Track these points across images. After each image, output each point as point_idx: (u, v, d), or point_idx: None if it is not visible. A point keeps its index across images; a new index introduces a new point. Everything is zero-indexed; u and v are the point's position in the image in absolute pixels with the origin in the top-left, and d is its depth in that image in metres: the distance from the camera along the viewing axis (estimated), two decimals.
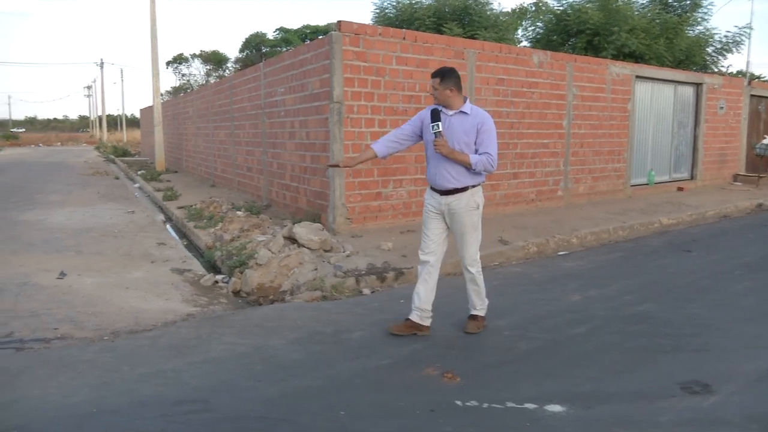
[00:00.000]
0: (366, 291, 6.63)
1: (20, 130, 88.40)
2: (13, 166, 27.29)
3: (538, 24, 17.80)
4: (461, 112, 4.90)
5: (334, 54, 8.61)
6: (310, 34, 53.61)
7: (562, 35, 16.76)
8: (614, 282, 6.98)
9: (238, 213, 10.21)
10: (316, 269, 6.95)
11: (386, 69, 9.10)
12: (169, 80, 68.24)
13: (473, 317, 5.27)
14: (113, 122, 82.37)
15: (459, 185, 4.92)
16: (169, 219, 11.71)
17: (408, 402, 3.85)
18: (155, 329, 5.31)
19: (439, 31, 14.92)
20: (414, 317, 5.11)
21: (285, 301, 6.34)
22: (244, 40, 59.64)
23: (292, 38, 55.49)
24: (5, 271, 7.31)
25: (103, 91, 68.59)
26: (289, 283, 6.72)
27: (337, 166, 5.61)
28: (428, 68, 9.48)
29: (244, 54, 60.06)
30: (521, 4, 22.28)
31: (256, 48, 58.84)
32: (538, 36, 17.47)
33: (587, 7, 16.11)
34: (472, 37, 14.10)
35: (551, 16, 17.03)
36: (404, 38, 9.30)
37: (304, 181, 9.93)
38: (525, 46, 15.99)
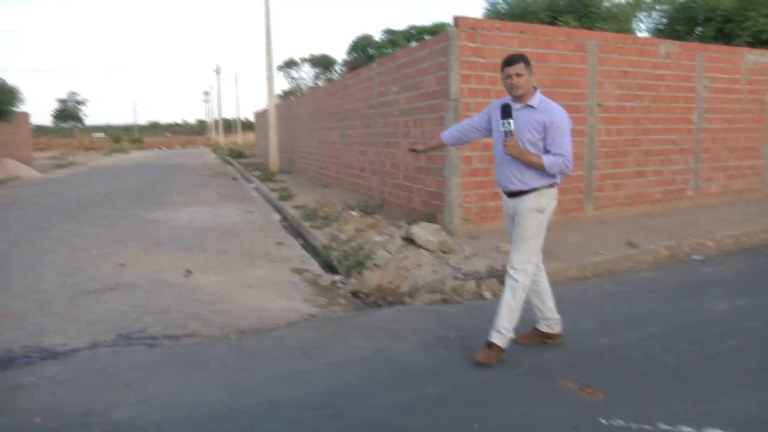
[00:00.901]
0: (487, 294, 6.38)
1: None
2: (140, 168, 28.67)
3: (658, 13, 16.90)
4: (528, 105, 4.28)
5: (451, 50, 8.40)
6: (416, 34, 53.57)
7: (689, 24, 15.82)
8: (765, 291, 6.40)
9: (353, 213, 10.18)
10: (434, 271, 6.77)
11: None
12: (281, 84, 69.77)
13: (489, 344, 4.38)
14: (228, 125, 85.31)
15: (525, 187, 4.36)
16: (284, 219, 11.84)
17: (548, 418, 3.59)
18: (279, 329, 5.27)
19: (554, 25, 14.44)
20: (543, 328, 4.74)
21: (404, 303, 6.18)
22: (351, 43, 60.31)
23: (398, 39, 55.66)
24: (137, 269, 7.54)
25: (219, 96, 71.33)
26: (408, 285, 6.57)
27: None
28: (547, 62, 9.12)
29: (352, 56, 60.77)
30: None
31: (363, 50, 59.38)
32: (661, 26, 16.59)
33: None
34: (589, 29, 13.50)
35: (668, 6, 16.13)
36: (522, 32, 8.97)
37: (418, 181, 9.78)
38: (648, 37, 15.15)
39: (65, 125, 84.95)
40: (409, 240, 7.33)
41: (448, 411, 3.69)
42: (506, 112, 4.25)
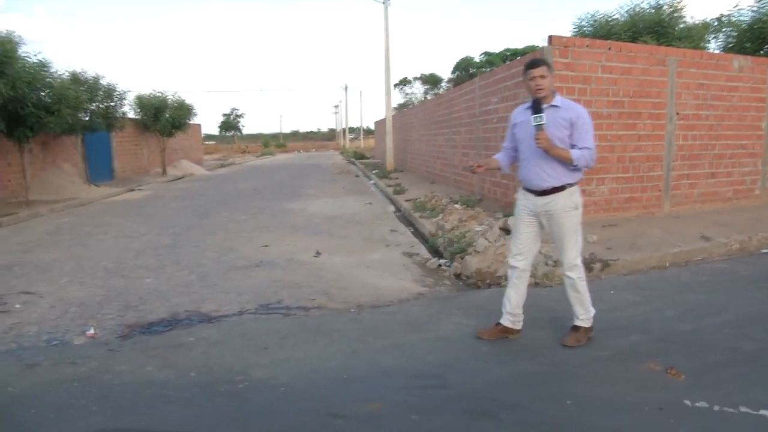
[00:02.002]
0: None
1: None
2: (283, 167, 29.43)
3: (726, 33, 15.49)
4: (553, 105, 3.83)
5: None
6: (510, 56, 52.23)
7: (757, 42, 14.40)
8: None
9: (456, 206, 9.88)
10: None
11: (592, 77, 8.24)
12: (396, 98, 69.94)
13: (575, 328, 4.09)
14: (353, 132, 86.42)
15: (557, 184, 3.85)
16: (398, 209, 11.69)
17: (635, 397, 3.21)
18: (392, 305, 5.10)
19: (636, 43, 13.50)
20: (506, 322, 4.18)
21: (501, 285, 5.85)
22: (455, 64, 59.44)
23: (494, 60, 54.36)
24: (277, 249, 7.60)
25: (346, 109, 72.75)
26: (504, 270, 6.22)
27: (474, 171, 4.22)
28: (631, 75, 8.48)
29: (456, 75, 59.97)
30: (706, 17, 19.60)
31: (465, 69, 58.53)
32: (730, 44, 15.20)
33: None
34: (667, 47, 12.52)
35: (733, 29, 14.75)
36: (609, 48, 8.37)
37: (514, 179, 9.35)
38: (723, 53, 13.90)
39: (228, 134, 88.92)
40: (506, 230, 6.98)
41: (542, 387, 3.38)
42: (537, 107, 3.79)
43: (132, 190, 17.52)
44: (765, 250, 7.20)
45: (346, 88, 69.75)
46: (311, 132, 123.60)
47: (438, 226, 8.59)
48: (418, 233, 9.01)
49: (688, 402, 3.12)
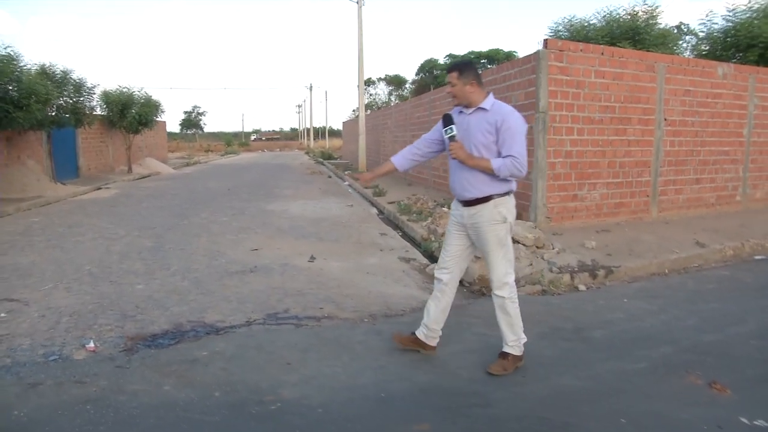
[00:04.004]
0: (581, 287, 5.85)
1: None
2: (251, 167, 28.83)
3: (700, 40, 15.76)
4: (480, 108, 3.54)
5: (541, 69, 7.84)
6: (474, 59, 52.49)
7: (731, 50, 14.69)
8: None
9: (444, 209, 9.70)
10: (531, 264, 6.25)
11: (585, 82, 8.18)
12: (356, 101, 69.66)
13: (503, 355, 3.70)
14: (317, 133, 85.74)
15: (479, 194, 3.54)
16: (381, 212, 11.46)
17: (689, 414, 3.06)
18: (405, 314, 4.87)
19: None
20: (420, 334, 3.92)
21: None
22: (419, 65, 59.50)
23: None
24: (268, 253, 7.27)
25: (311, 108, 72.16)
26: None
27: (364, 179, 4.17)
28: (622, 81, 8.46)
29: (420, 76, 60.03)
30: (680, 22, 19.92)
31: (429, 71, 58.60)
32: (704, 52, 15.47)
33: (755, 22, 13.99)
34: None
35: (692, 37, 15.01)
36: (602, 53, 8.32)
37: None
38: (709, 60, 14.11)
39: (189, 132, 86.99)
40: None
41: (589, 404, 3.20)
42: (447, 120, 3.62)
43: (99, 188, 16.81)
44: (759, 257, 7.24)
45: (310, 87, 69.23)
46: (274, 131, 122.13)
47: (430, 230, 8.39)
48: (407, 237, 8.79)
49: (745, 420, 2.99)
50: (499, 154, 3.48)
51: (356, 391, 3.33)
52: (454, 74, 3.56)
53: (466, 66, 3.61)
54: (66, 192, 14.88)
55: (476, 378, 3.53)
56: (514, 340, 3.69)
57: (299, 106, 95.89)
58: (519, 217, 8.13)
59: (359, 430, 2.90)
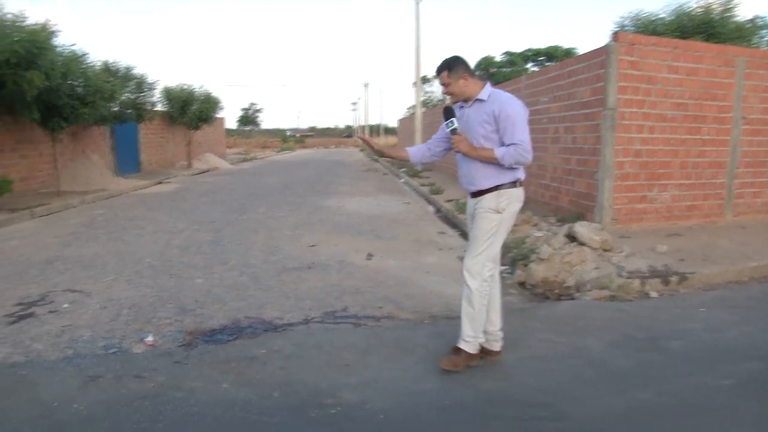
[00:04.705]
0: (653, 294, 5.50)
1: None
2: (306, 163, 29.08)
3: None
4: (478, 100, 3.50)
5: (610, 63, 7.47)
6: (532, 55, 51.48)
7: None
8: None
9: None
10: (598, 268, 5.93)
11: (657, 77, 7.75)
12: (413, 98, 69.50)
13: (456, 350, 3.57)
14: (371, 130, 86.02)
15: (483, 186, 3.51)
16: (438, 210, 11.26)
17: None
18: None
19: None
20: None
21: (572, 297, 5.42)
22: (476, 63, 58.85)
23: (516, 60, 53.61)
24: (325, 250, 7.20)
25: (367, 105, 72.64)
26: (573, 280, 5.78)
27: (378, 150, 4.05)
28: (697, 77, 7.97)
29: (477, 74, 59.16)
30: (755, 15, 18.85)
31: (485, 69, 57.83)
32: None
33: None
34: None
35: None
36: (676, 47, 7.87)
37: (566, 182, 8.89)
38: None
39: (246, 128, 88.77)
40: (572, 238, 6.53)
41: (674, 423, 2.95)
42: (447, 113, 3.58)
43: (160, 182, 17.23)
44: None
45: (366, 85, 69.52)
46: (329, 128, 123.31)
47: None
48: (466, 236, 8.55)
49: None
50: (502, 144, 3.42)
51: (419, 397, 3.18)
52: (444, 73, 3.53)
53: (453, 62, 3.54)
54: (128, 186, 15.30)
55: (545, 387, 3.31)
56: (472, 337, 3.53)
57: (354, 104, 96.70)
58: (581, 218, 7.82)
59: None
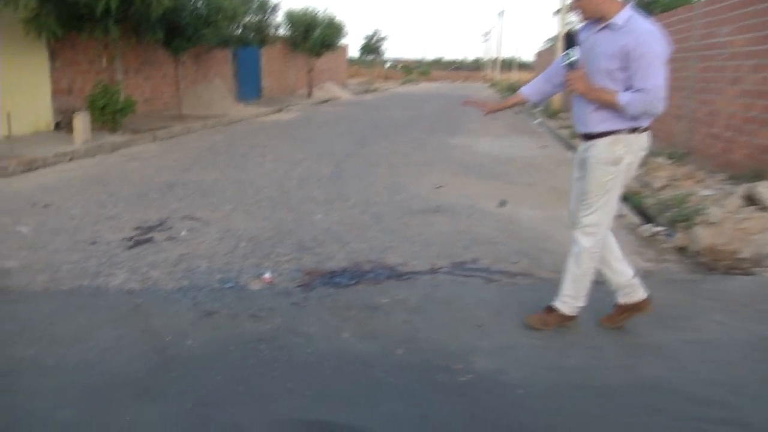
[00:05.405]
0: None
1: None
2: (432, 97, 28.68)
3: None
4: (610, 25, 2.91)
5: None
6: None
7: None
8: None
9: (659, 159, 8.63)
10: None
11: None
12: (555, 29, 65.77)
13: (548, 309, 3.35)
14: (503, 64, 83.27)
15: (596, 130, 3.04)
16: None
17: None
18: None
19: None
20: (623, 299, 3.37)
21: (748, 272, 4.78)
22: None
23: None
24: (452, 192, 6.95)
25: (500, 37, 69.98)
26: (750, 251, 5.10)
27: (490, 112, 3.82)
28: None
29: (630, 2, 54.93)
30: None
31: None
32: None
33: None
34: None
35: None
36: None
37: (745, 133, 7.90)
38: None
39: (368, 58, 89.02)
40: (752, 200, 5.79)
41: None
42: (568, 41, 3.05)
43: (280, 110, 17.64)
44: None
45: (501, 13, 66.67)
46: (456, 61, 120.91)
47: (642, 182, 7.49)
48: None
49: None
50: (629, 88, 2.94)
51: (563, 374, 2.88)
52: None
53: None
54: (249, 112, 15.78)
55: (720, 381, 2.88)
56: (571, 298, 3.29)
57: (486, 34, 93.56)
58: (760, 176, 6.93)
59: (568, 426, 2.47)
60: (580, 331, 3.35)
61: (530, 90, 3.53)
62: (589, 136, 3.12)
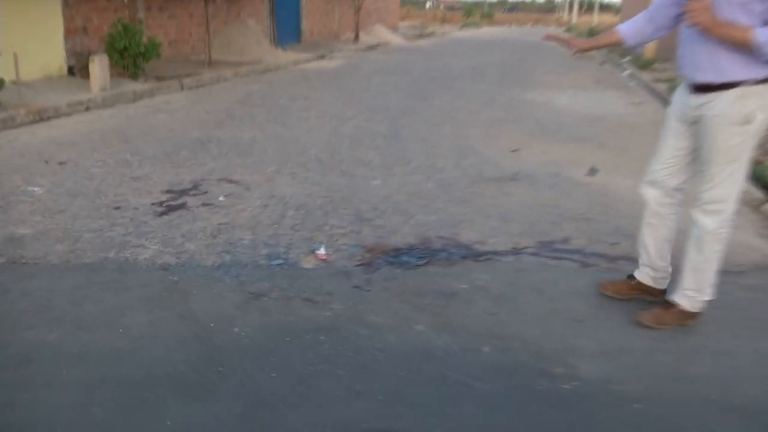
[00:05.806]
0: None
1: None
2: (497, 43, 28.11)
3: None
4: None
5: None
6: None
7: None
8: None
9: None
10: None
11: None
12: None
13: (666, 305, 3.20)
14: (584, 6, 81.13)
15: (720, 78, 2.76)
16: None
17: None
18: (745, 273, 3.98)
19: None
20: (643, 277, 3.40)
21: None
22: None
23: None
24: (531, 157, 6.72)
25: None
26: None
27: (578, 51, 3.49)
28: None
29: None
30: None
31: None
32: None
33: None
34: None
35: None
36: None
37: None
38: None
39: None
40: None
41: None
42: None
43: (323, 57, 17.51)
44: None
45: None
46: (524, 2, 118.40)
47: (764, 149, 7.11)
48: None
49: None
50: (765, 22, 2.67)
51: (690, 386, 2.69)
52: None
53: None
54: (287, 59, 15.69)
55: None
56: (694, 291, 3.11)
57: None
58: None
59: None
60: (706, 332, 3.15)
61: (628, 29, 3.30)
62: (708, 88, 2.85)
